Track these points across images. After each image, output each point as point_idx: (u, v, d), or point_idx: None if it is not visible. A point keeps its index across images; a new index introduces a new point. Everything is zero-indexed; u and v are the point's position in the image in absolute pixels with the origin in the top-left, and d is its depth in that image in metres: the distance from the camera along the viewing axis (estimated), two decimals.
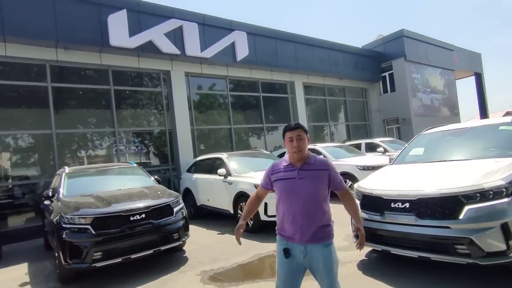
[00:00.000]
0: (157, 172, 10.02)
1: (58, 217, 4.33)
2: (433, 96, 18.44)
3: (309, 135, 2.28)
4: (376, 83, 17.82)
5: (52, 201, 5.12)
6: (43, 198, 6.23)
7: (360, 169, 8.33)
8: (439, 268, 3.57)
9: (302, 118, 14.19)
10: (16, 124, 8.59)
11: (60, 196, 5.02)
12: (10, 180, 8.44)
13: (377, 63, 17.46)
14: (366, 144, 11.79)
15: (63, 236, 4.16)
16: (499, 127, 4.23)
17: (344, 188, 2.27)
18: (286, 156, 2.28)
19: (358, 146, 11.54)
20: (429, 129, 5.19)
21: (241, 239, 2.43)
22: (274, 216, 2.44)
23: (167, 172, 10.62)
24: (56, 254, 4.42)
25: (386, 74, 17.54)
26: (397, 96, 16.98)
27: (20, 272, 5.22)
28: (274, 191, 2.30)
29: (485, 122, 4.78)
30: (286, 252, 2.12)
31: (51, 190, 5.33)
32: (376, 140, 11.78)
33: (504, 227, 2.90)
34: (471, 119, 30.39)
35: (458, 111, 20.58)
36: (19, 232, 7.83)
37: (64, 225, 4.19)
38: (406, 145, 5.32)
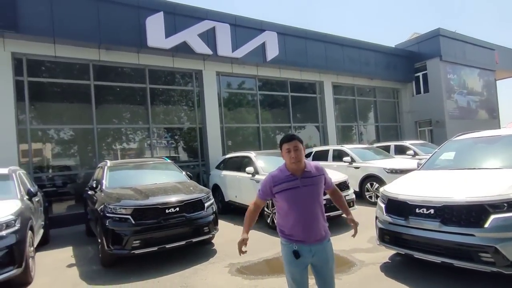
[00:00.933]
0: (187, 167, 10.48)
1: (102, 206, 4.77)
2: (470, 98, 17.65)
3: (304, 145, 2.39)
4: (409, 84, 17.33)
5: (95, 192, 5.60)
6: (86, 189, 6.82)
7: (388, 172, 8.27)
8: (461, 274, 3.60)
9: (330, 118, 14.17)
10: (60, 119, 9.35)
11: (103, 187, 5.49)
12: (51, 170, 9.15)
13: (410, 63, 16.97)
14: (396, 146, 11.58)
15: (106, 224, 4.58)
16: None
17: (334, 186, 2.61)
18: (283, 166, 2.39)
19: (387, 148, 11.37)
20: (460, 135, 5.13)
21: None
22: None
23: (196, 167, 11.06)
24: (99, 240, 4.87)
25: (420, 74, 17.00)
26: (431, 97, 16.43)
27: (66, 254, 5.77)
28: (271, 200, 2.45)
29: None
30: (297, 254, 2.25)
31: (94, 181, 5.81)
32: (406, 143, 11.54)
33: None
34: (510, 122, 28.64)
35: (498, 114, 19.53)
36: (62, 218, 8.52)
37: (107, 214, 4.62)
38: (436, 150, 5.29)
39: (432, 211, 3.45)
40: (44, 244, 6.35)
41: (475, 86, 18.05)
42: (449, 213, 3.33)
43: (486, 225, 3.09)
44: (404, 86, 17.34)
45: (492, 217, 3.08)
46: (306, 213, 2.28)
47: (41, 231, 5.90)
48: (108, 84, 9.82)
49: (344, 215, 2.70)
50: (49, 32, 8.13)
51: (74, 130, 9.46)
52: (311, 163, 2.42)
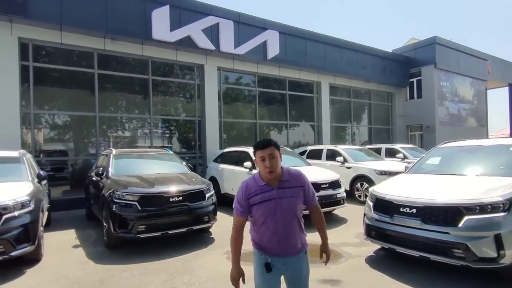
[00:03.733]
0: (183, 158, 10.74)
1: (110, 192, 5.07)
2: (461, 106, 18.24)
3: (281, 151, 2.16)
4: (403, 88, 17.81)
5: (101, 178, 5.88)
6: (89, 175, 7.07)
7: (377, 174, 8.70)
8: (438, 268, 4.01)
9: (326, 117, 14.57)
10: (63, 105, 9.55)
11: (109, 174, 5.77)
12: (49, 155, 9.32)
13: (406, 68, 17.42)
14: (386, 149, 12.06)
15: (114, 209, 4.89)
16: (510, 148, 4.56)
17: (316, 205, 2.27)
18: (258, 175, 2.16)
19: (378, 150, 11.83)
20: (445, 143, 5.55)
21: None
22: None
23: (193, 159, 11.33)
24: (105, 224, 5.18)
25: (414, 80, 17.49)
26: (423, 103, 16.95)
27: (69, 236, 6.05)
28: (251, 216, 2.15)
29: (497, 142, 5.10)
30: (268, 267, 2.10)
31: (101, 168, 6.08)
32: (397, 146, 12.02)
33: (497, 237, 3.32)
34: (500, 130, 29.54)
35: (486, 122, 20.20)
36: (60, 202, 8.71)
37: (115, 200, 4.93)
38: (423, 155, 5.71)
39: (414, 210, 3.85)
40: (47, 226, 6.60)
41: (466, 94, 18.63)
42: (429, 213, 3.73)
43: (460, 225, 3.49)
44: (399, 90, 17.81)
45: (466, 218, 3.49)
46: (282, 227, 2.09)
47: (46, 213, 6.16)
48: (112, 73, 10.01)
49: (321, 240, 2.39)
50: (56, 19, 8.29)
51: (75, 117, 9.67)
52: (290, 171, 2.18)
